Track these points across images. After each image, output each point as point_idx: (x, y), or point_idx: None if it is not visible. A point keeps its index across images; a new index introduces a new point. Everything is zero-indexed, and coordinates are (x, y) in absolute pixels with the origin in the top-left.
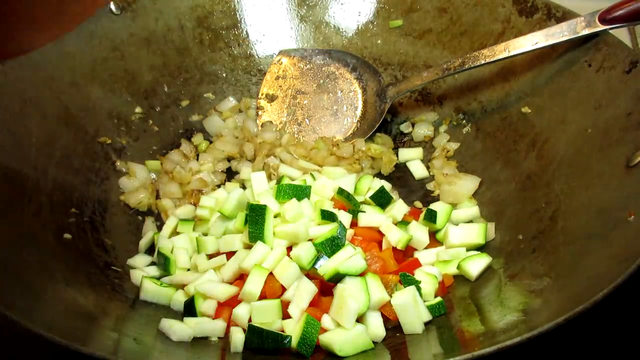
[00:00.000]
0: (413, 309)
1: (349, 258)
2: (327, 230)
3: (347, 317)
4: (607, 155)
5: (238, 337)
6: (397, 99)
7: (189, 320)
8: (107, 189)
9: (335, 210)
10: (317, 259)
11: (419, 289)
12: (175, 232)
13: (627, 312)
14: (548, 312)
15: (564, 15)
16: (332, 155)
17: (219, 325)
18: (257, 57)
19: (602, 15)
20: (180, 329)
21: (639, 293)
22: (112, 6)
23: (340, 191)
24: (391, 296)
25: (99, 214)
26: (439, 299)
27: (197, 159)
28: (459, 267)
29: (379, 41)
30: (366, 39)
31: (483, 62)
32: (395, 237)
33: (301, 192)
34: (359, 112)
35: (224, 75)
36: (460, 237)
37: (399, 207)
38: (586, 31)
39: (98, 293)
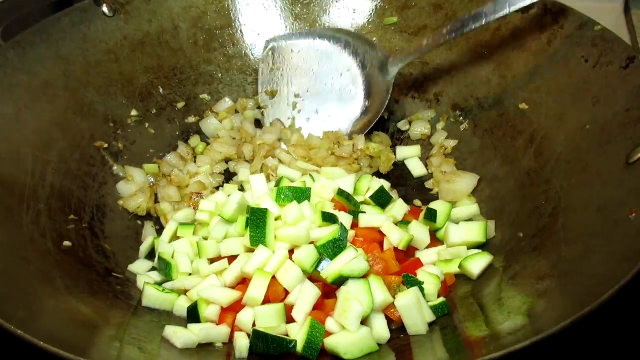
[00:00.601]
0: (417, 310)
1: (352, 260)
2: (328, 232)
3: (352, 320)
4: (606, 151)
5: (243, 343)
6: (400, 71)
7: (193, 326)
8: (105, 194)
9: (335, 212)
10: (319, 261)
11: (422, 289)
12: (175, 237)
13: (628, 311)
14: (553, 313)
15: (560, 11)
16: (332, 154)
17: (223, 331)
18: (252, 56)
19: None
20: (185, 336)
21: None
22: (105, 8)
23: (340, 192)
24: (394, 297)
25: (97, 219)
26: (442, 299)
27: (195, 161)
28: (460, 266)
29: (375, 39)
30: None
31: (484, 20)
32: (396, 237)
33: (301, 195)
34: (364, 90)
35: (220, 75)
36: (461, 236)
37: (399, 207)
38: None
39: (100, 301)
